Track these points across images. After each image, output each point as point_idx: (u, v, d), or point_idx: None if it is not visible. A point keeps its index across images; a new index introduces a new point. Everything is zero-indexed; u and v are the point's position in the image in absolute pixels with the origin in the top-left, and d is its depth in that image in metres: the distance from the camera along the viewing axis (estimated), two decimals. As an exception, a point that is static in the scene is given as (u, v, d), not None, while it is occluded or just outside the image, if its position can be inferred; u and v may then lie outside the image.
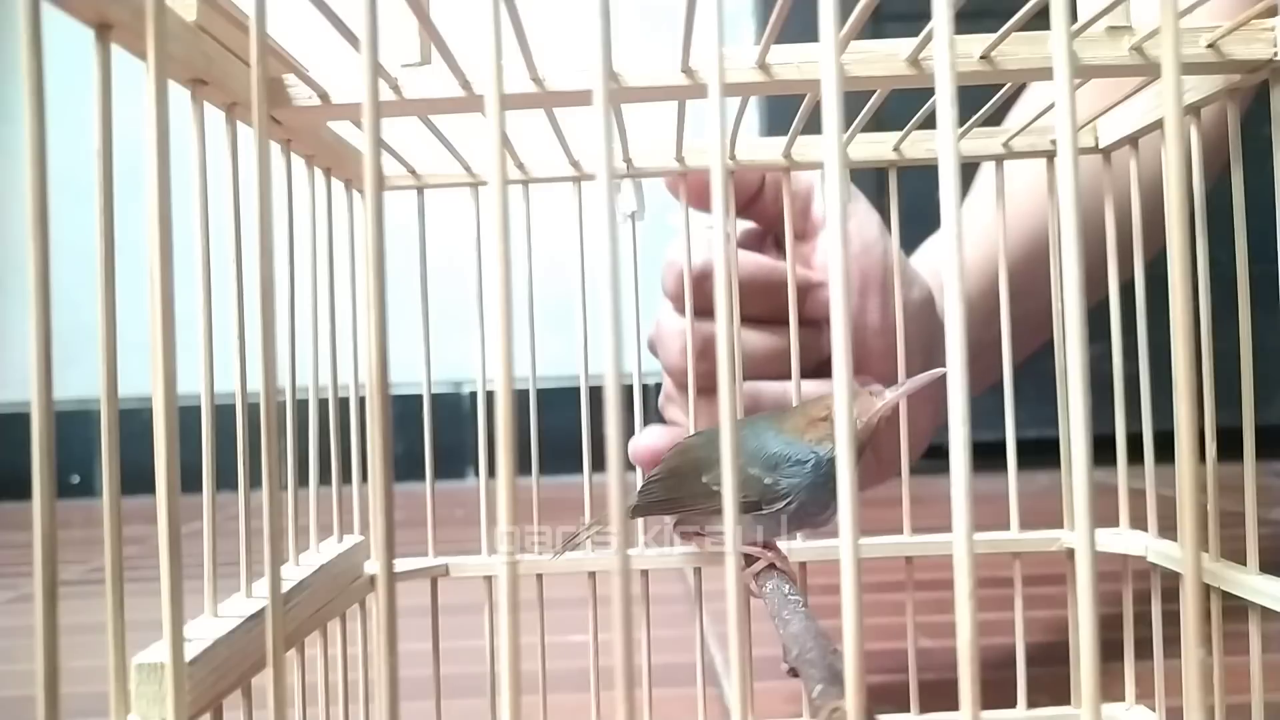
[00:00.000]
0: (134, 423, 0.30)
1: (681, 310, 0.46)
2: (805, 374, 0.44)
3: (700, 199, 0.44)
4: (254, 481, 0.28)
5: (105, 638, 0.23)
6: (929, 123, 0.33)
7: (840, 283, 0.18)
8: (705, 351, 0.44)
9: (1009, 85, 0.34)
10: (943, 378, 0.42)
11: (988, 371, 0.46)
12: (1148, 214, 0.39)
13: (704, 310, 0.44)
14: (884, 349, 0.46)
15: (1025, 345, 0.49)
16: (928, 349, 0.47)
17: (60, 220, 0.25)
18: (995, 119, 0.40)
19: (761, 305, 0.46)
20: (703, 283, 0.44)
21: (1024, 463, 0.44)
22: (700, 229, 0.44)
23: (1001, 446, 0.43)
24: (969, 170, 0.45)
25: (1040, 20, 0.25)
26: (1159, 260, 0.30)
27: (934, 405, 0.48)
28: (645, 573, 0.43)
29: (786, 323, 0.43)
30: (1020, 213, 0.51)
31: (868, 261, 0.47)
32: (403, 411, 0.37)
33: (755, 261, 0.46)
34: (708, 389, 0.45)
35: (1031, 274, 0.48)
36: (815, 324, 0.46)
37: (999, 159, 0.44)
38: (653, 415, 0.48)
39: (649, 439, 0.46)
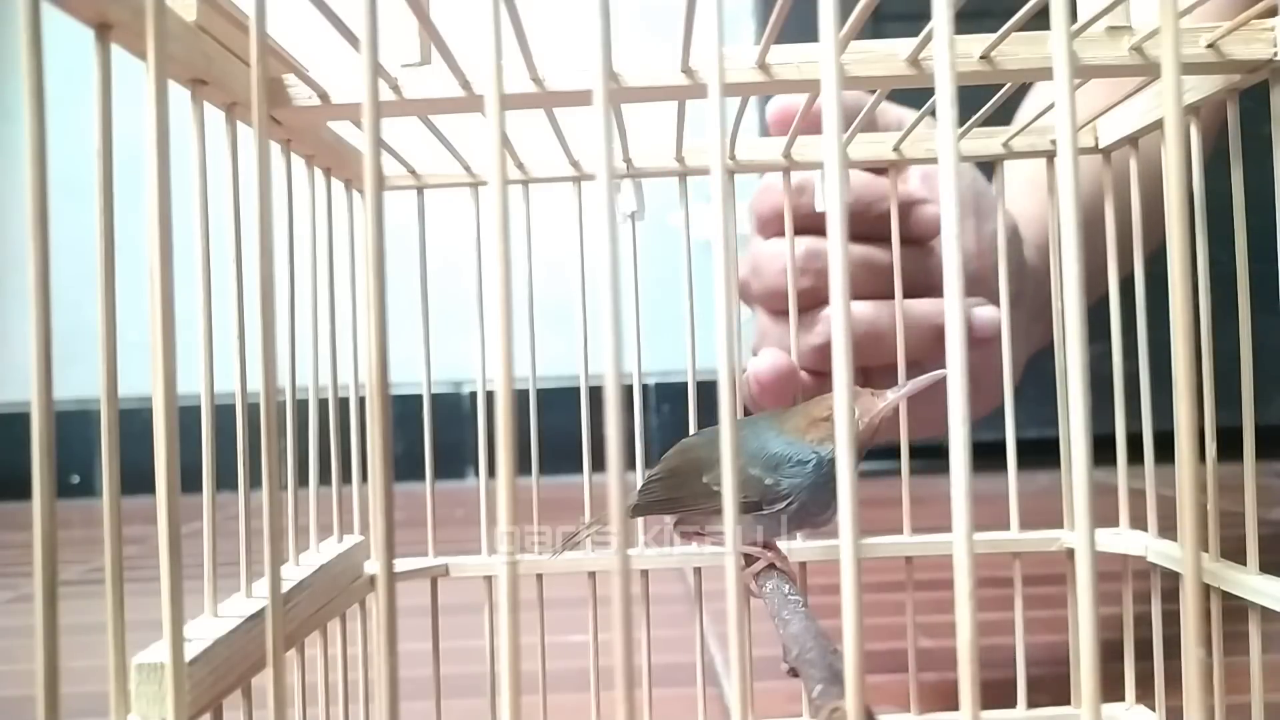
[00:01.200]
0: (134, 423, 0.30)
1: (774, 234, 0.46)
2: (911, 295, 0.44)
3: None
4: (254, 481, 0.28)
5: (105, 638, 0.23)
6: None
7: (841, 285, 0.18)
8: (806, 267, 0.44)
9: (1009, 85, 0.34)
10: (996, 370, 0.42)
11: (1049, 328, 0.46)
12: (1148, 213, 0.39)
13: (803, 229, 0.44)
14: (978, 272, 0.46)
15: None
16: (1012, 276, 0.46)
17: (60, 220, 0.25)
18: (996, 119, 0.40)
19: (860, 222, 0.45)
20: (799, 196, 0.44)
21: (1024, 463, 0.44)
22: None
23: (1001, 446, 0.43)
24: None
25: (1040, 20, 0.25)
26: (1159, 259, 0.30)
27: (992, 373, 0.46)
28: (645, 573, 0.43)
29: (887, 240, 0.43)
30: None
31: (961, 187, 0.47)
32: (403, 411, 0.37)
33: (855, 177, 0.46)
34: (810, 307, 0.45)
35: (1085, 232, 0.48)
36: (919, 243, 0.46)
37: (999, 159, 0.44)
38: (652, 415, 0.48)
39: (768, 360, 0.44)
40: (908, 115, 0.46)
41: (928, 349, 0.45)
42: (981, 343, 0.44)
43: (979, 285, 0.45)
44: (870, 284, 0.45)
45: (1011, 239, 0.50)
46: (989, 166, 0.44)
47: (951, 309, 0.18)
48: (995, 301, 0.44)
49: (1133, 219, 0.39)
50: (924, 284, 0.45)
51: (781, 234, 0.46)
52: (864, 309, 0.46)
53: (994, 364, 0.44)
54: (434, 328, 0.44)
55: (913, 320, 0.44)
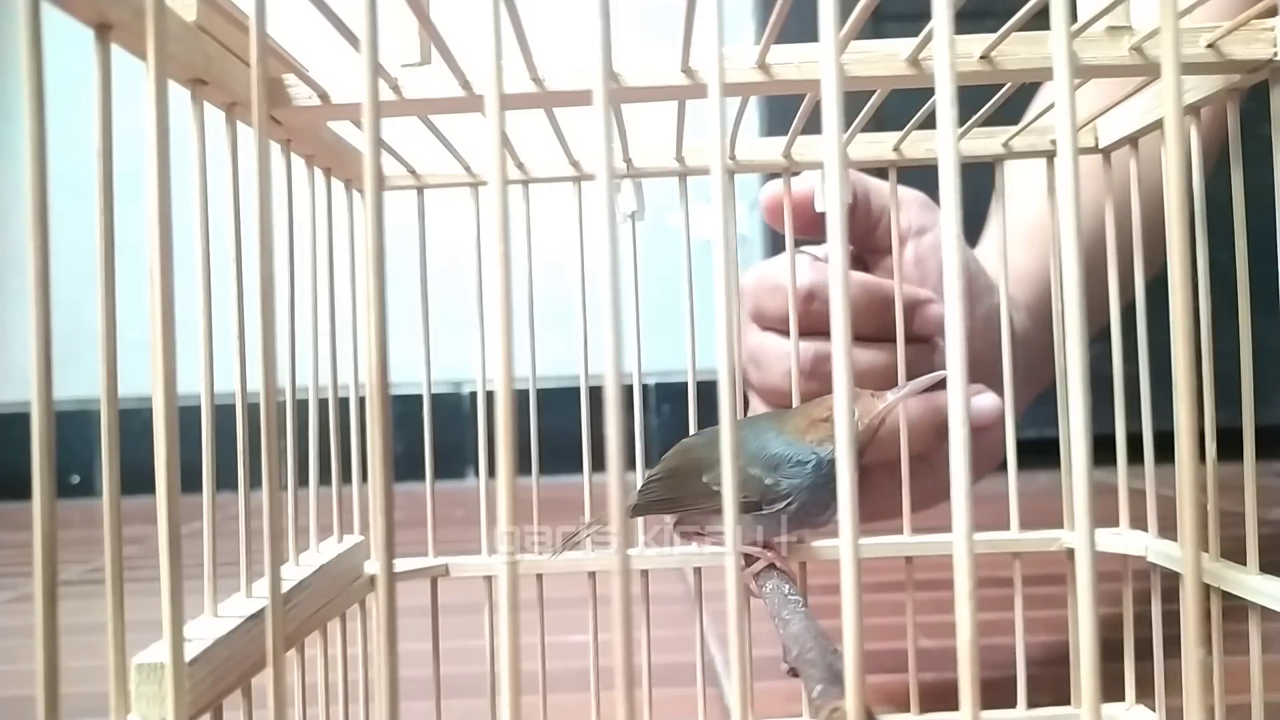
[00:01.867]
0: (134, 423, 0.30)
1: (780, 331, 0.46)
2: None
3: (795, 222, 0.44)
4: (254, 481, 0.28)
5: (105, 638, 0.23)
6: (929, 123, 0.33)
7: (841, 285, 0.18)
8: (814, 371, 0.44)
9: (1009, 85, 0.34)
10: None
11: (1041, 383, 0.46)
12: (1148, 213, 0.39)
13: (809, 331, 0.44)
14: (974, 355, 0.46)
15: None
16: (998, 360, 0.46)
17: (60, 220, 0.25)
18: (996, 119, 0.40)
19: (868, 323, 0.45)
20: (809, 303, 0.44)
21: (1024, 463, 0.44)
22: (798, 256, 0.44)
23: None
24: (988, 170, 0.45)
25: (1040, 20, 0.25)
26: (1162, 267, 0.30)
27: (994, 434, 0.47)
28: (645, 573, 0.43)
29: (893, 340, 0.43)
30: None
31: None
32: (403, 411, 0.37)
33: (860, 280, 0.46)
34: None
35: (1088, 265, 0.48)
36: (925, 340, 0.46)
37: (999, 159, 0.44)
38: (652, 415, 0.48)
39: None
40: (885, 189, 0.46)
41: (929, 444, 0.45)
42: (980, 431, 0.45)
43: (976, 368, 0.45)
44: (881, 382, 0.45)
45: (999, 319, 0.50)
46: (988, 168, 0.44)
47: (952, 309, 0.18)
48: (993, 379, 0.44)
49: (1133, 223, 0.39)
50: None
51: (778, 331, 0.46)
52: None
53: (992, 444, 0.45)
54: (434, 328, 0.44)
55: (918, 413, 0.44)
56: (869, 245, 0.48)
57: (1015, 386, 0.43)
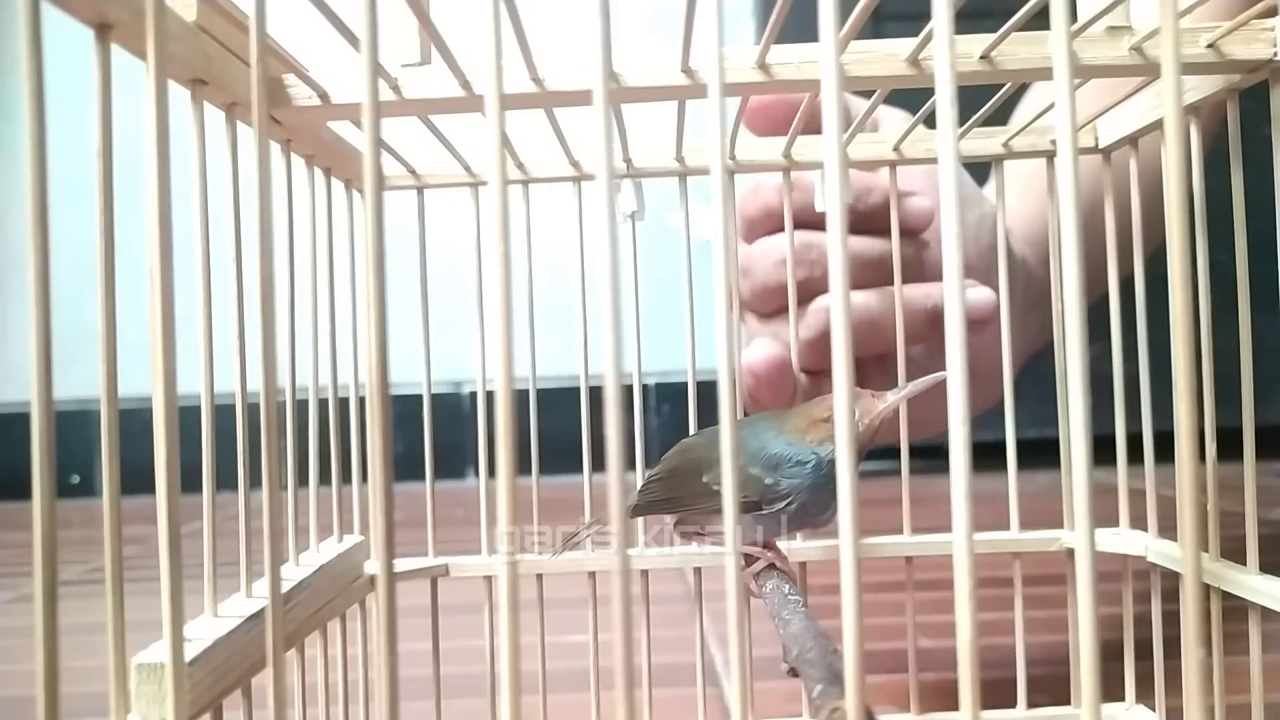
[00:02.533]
0: (134, 423, 0.30)
1: (762, 234, 0.46)
2: (885, 282, 0.44)
3: (770, 122, 0.44)
4: (254, 481, 0.28)
5: (105, 638, 0.23)
6: (929, 122, 0.33)
7: (841, 284, 0.18)
8: (802, 259, 0.44)
9: (1009, 85, 0.34)
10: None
11: (1047, 318, 0.46)
12: (1148, 212, 0.39)
13: (797, 225, 0.44)
14: (973, 258, 0.46)
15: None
16: (993, 264, 0.46)
17: (60, 220, 0.25)
18: (996, 119, 0.40)
19: (858, 216, 0.45)
20: (779, 194, 0.44)
21: (1024, 463, 0.44)
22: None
23: (1001, 446, 0.43)
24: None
25: (1040, 20, 0.25)
26: (1159, 259, 0.30)
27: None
28: (645, 573, 0.43)
29: (878, 232, 0.43)
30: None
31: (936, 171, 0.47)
32: (403, 411, 0.37)
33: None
34: (804, 301, 0.45)
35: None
36: (910, 234, 0.46)
37: (999, 159, 0.44)
38: (652, 415, 0.48)
39: (763, 350, 0.44)
40: (895, 114, 0.46)
41: (922, 333, 0.45)
42: (978, 325, 0.44)
43: (971, 273, 0.45)
44: (863, 275, 0.45)
45: (995, 223, 0.50)
46: (987, 166, 0.44)
47: (951, 309, 0.18)
48: (988, 281, 0.44)
49: (1133, 219, 0.39)
50: (915, 273, 0.46)
51: (770, 233, 0.47)
52: (858, 298, 0.46)
53: (993, 353, 0.44)
54: (434, 328, 0.44)
55: (907, 305, 0.44)
56: (863, 211, 0.48)
57: (1015, 314, 0.43)
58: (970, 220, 0.49)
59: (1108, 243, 0.41)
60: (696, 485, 0.38)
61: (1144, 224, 0.39)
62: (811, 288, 0.45)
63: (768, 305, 0.48)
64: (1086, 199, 0.42)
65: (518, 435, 0.20)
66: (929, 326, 0.45)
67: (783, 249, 0.44)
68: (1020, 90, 0.37)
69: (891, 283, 0.43)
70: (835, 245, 0.19)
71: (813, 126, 0.41)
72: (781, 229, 0.44)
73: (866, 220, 0.45)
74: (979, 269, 0.43)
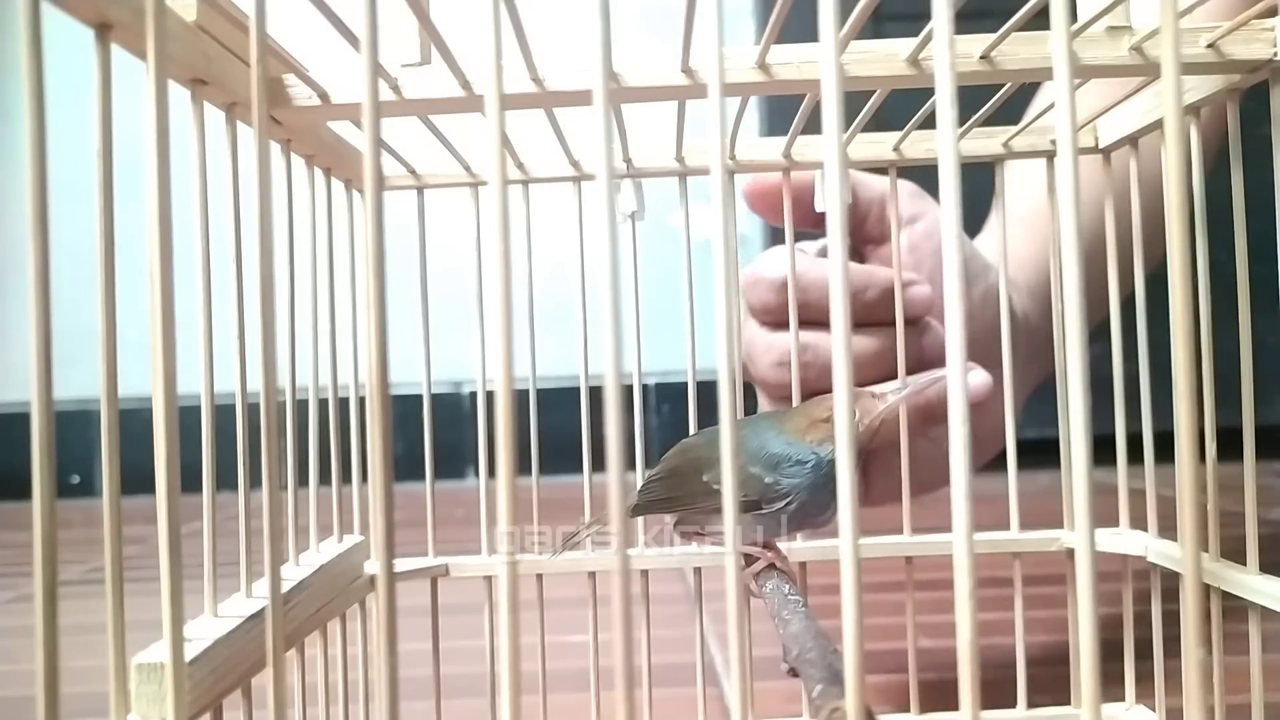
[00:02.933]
0: (134, 423, 0.30)
1: (771, 325, 0.47)
2: (889, 378, 0.44)
3: (771, 210, 0.45)
4: (254, 481, 0.28)
5: (105, 638, 0.23)
6: (929, 122, 0.33)
7: (841, 286, 0.18)
8: (800, 360, 0.44)
9: (1009, 85, 0.34)
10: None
11: (1047, 365, 0.47)
12: (1148, 213, 0.39)
13: (784, 322, 0.45)
14: (977, 334, 0.46)
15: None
16: (996, 340, 0.47)
17: (60, 220, 0.25)
18: (996, 119, 0.40)
19: (857, 309, 0.45)
20: (781, 294, 0.45)
21: (1024, 463, 0.44)
22: (787, 249, 0.45)
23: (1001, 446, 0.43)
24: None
25: (1040, 20, 0.25)
26: (1161, 263, 0.30)
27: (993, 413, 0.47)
28: (645, 573, 0.43)
29: (880, 325, 0.44)
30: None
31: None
32: (403, 411, 0.37)
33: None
34: (809, 397, 0.45)
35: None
36: (914, 323, 0.46)
37: (999, 159, 0.44)
38: (652, 415, 0.48)
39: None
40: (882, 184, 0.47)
41: (915, 428, 0.45)
42: (977, 407, 0.45)
43: (973, 348, 0.46)
44: (863, 375, 0.46)
45: (998, 297, 0.50)
46: (988, 167, 0.44)
47: (951, 309, 0.18)
48: (991, 360, 0.44)
49: (1133, 220, 0.39)
50: (915, 362, 0.46)
51: (773, 326, 0.47)
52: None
53: (991, 422, 0.45)
54: (434, 328, 0.44)
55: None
56: (860, 236, 0.49)
57: (1017, 368, 0.44)
58: (975, 294, 0.49)
59: (1108, 243, 0.41)
60: (696, 485, 0.38)
61: (1145, 224, 0.39)
62: (808, 388, 0.45)
63: (773, 395, 0.48)
64: (1088, 219, 0.42)
65: (518, 435, 0.20)
66: (921, 422, 0.46)
67: (782, 348, 0.45)
68: (1031, 90, 0.37)
69: (894, 377, 0.43)
70: (835, 244, 0.19)
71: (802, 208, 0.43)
72: (783, 324, 0.45)
73: (866, 313, 0.45)
74: (980, 343, 0.44)
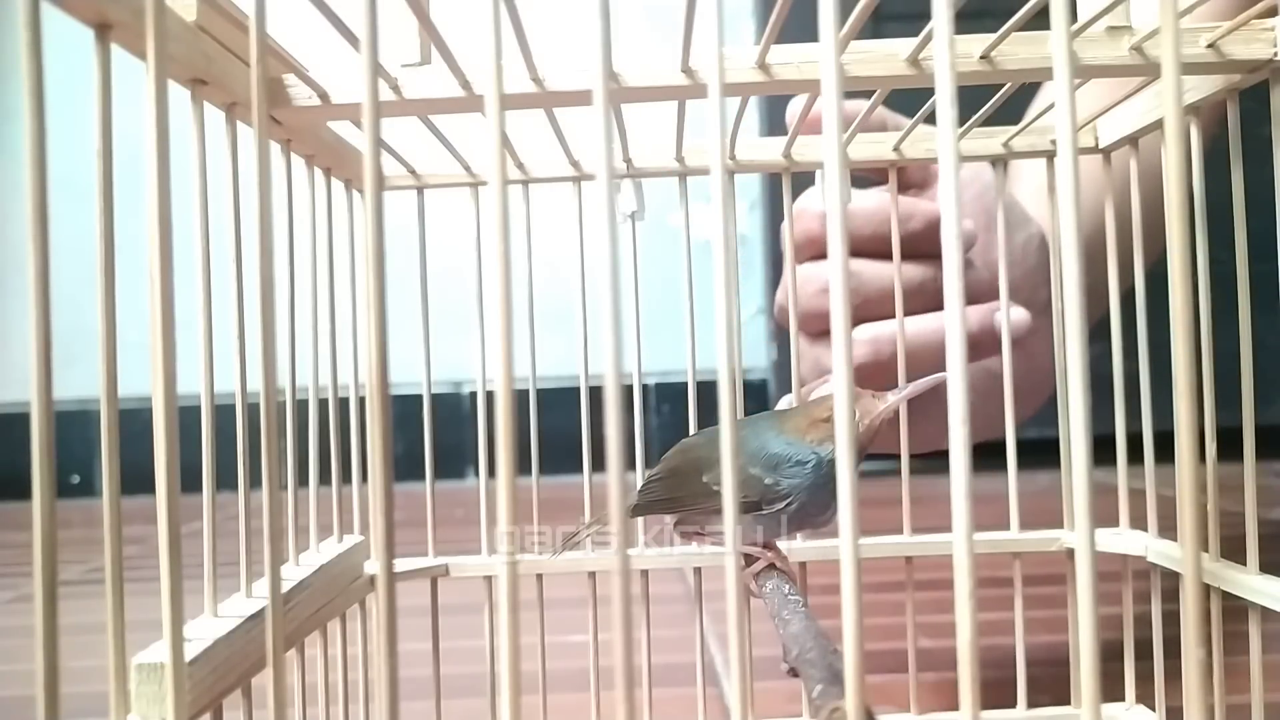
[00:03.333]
0: (134, 423, 0.30)
1: (814, 258, 0.48)
2: (933, 309, 0.45)
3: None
4: (254, 481, 0.28)
5: (105, 638, 0.23)
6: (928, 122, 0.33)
7: (841, 287, 0.18)
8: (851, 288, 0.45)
9: (1009, 85, 0.34)
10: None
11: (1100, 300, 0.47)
12: (1148, 212, 0.39)
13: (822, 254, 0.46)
14: (1013, 281, 0.47)
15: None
16: (1039, 284, 0.47)
17: (60, 220, 0.25)
18: (996, 119, 0.40)
19: (902, 240, 0.46)
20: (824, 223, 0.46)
21: (1024, 463, 0.44)
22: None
23: (1001, 446, 0.43)
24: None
25: (1040, 20, 0.25)
26: (1159, 259, 0.30)
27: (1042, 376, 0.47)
28: (645, 573, 0.43)
29: (924, 257, 0.44)
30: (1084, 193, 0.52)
31: (990, 199, 0.47)
32: (403, 411, 0.37)
33: (876, 199, 0.47)
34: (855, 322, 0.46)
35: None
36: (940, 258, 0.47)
37: (999, 159, 0.44)
38: (652, 415, 0.48)
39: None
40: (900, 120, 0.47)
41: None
42: (1019, 345, 0.45)
43: (1015, 294, 0.47)
44: (911, 302, 0.46)
45: (1041, 245, 0.51)
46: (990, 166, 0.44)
47: (951, 309, 0.18)
48: (1034, 308, 0.44)
49: (1133, 219, 0.39)
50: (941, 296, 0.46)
51: (815, 259, 0.48)
52: (911, 325, 0.47)
53: (1037, 363, 0.46)
54: (434, 328, 0.44)
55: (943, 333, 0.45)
56: (904, 180, 0.49)
57: (1056, 313, 0.44)
58: (1018, 240, 0.50)
59: (1108, 245, 0.41)
60: (696, 485, 0.38)
61: (1145, 224, 0.39)
62: (853, 316, 0.45)
63: (813, 328, 0.49)
64: (1090, 213, 0.42)
65: (518, 435, 0.20)
66: (970, 348, 0.46)
67: (823, 276, 0.46)
68: (1031, 90, 0.37)
69: (941, 308, 0.44)
70: (835, 244, 0.19)
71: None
72: (824, 255, 0.46)
73: (910, 245, 0.46)
74: (1023, 288, 0.45)
